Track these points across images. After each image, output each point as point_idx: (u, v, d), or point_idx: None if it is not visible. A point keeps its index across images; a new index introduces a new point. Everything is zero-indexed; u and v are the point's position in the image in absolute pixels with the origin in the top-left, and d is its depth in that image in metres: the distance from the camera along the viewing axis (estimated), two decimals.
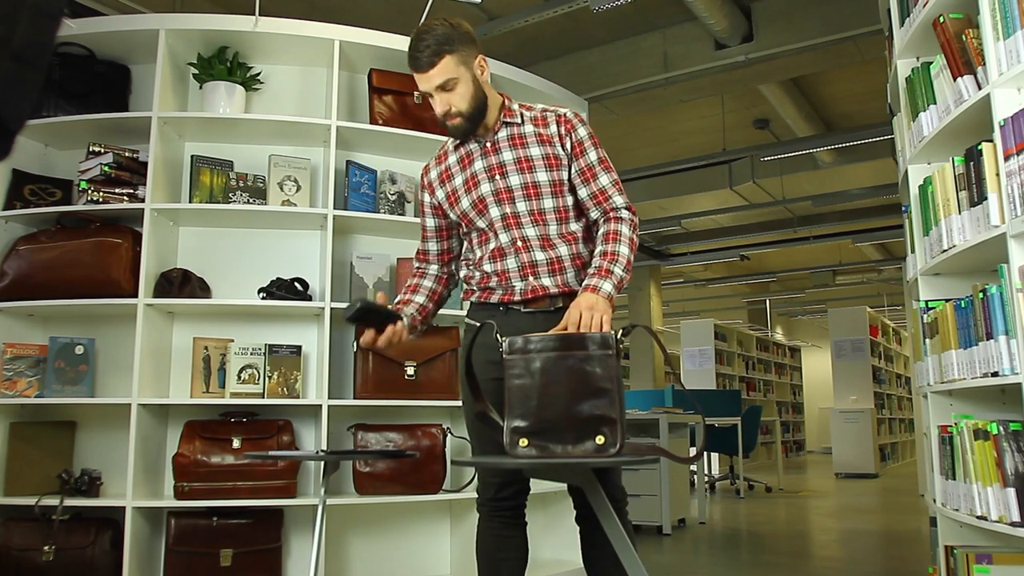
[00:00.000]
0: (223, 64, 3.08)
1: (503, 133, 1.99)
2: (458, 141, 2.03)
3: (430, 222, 2.10)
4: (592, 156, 1.98)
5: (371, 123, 3.17)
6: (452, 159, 2.04)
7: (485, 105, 1.95)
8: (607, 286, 1.81)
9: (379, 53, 3.22)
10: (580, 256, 1.96)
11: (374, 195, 3.18)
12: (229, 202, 2.99)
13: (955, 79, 2.17)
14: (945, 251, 2.26)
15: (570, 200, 1.98)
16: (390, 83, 3.24)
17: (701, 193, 9.80)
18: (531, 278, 1.93)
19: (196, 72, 3.10)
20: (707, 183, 9.51)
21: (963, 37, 2.14)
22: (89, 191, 2.89)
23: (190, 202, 3.00)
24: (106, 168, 2.91)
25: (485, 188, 1.96)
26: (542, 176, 1.95)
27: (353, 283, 3.09)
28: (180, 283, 2.88)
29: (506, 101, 2.02)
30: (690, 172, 9.24)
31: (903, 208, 2.89)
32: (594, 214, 1.98)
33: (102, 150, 2.95)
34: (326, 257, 3.00)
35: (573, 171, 1.98)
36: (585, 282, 1.84)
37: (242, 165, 3.12)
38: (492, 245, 1.97)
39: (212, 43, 3.10)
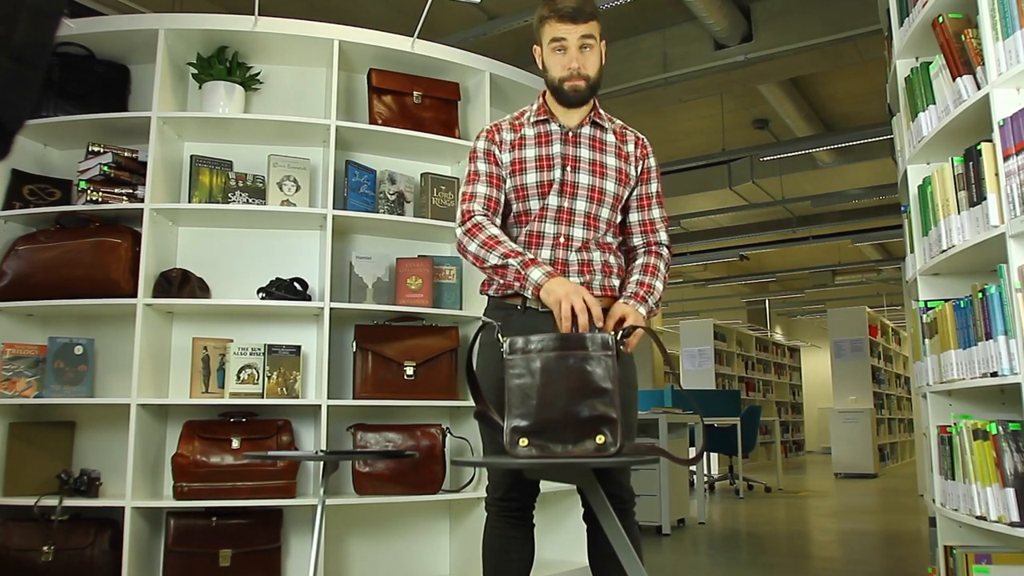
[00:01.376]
0: (222, 64, 3.08)
1: (587, 130, 2.01)
2: (540, 118, 2.01)
3: (493, 169, 1.99)
4: (654, 187, 2.06)
5: (370, 123, 3.17)
6: (529, 131, 2.02)
7: (599, 85, 1.98)
8: (642, 310, 1.89)
9: (378, 53, 3.22)
10: (608, 264, 1.99)
11: (373, 195, 3.18)
12: (228, 202, 2.99)
13: (954, 79, 2.17)
14: (944, 251, 2.26)
15: (619, 217, 2.03)
16: (389, 83, 3.24)
17: (700, 193, 9.81)
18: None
19: (195, 72, 3.10)
20: (706, 183, 9.51)
21: (962, 37, 2.14)
22: (88, 191, 2.89)
23: (189, 202, 3.00)
24: (105, 168, 2.91)
25: (556, 174, 1.96)
26: (610, 186, 1.98)
27: (352, 283, 3.09)
28: (179, 283, 2.88)
29: (596, 102, 2.04)
30: (689, 172, 9.24)
31: (902, 208, 2.89)
32: (636, 240, 2.05)
33: (101, 150, 2.95)
34: (325, 257, 2.99)
35: (633, 194, 2.04)
36: (622, 300, 1.92)
37: (241, 165, 3.12)
38: (532, 228, 1.97)
39: (211, 43, 3.09)
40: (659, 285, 1.97)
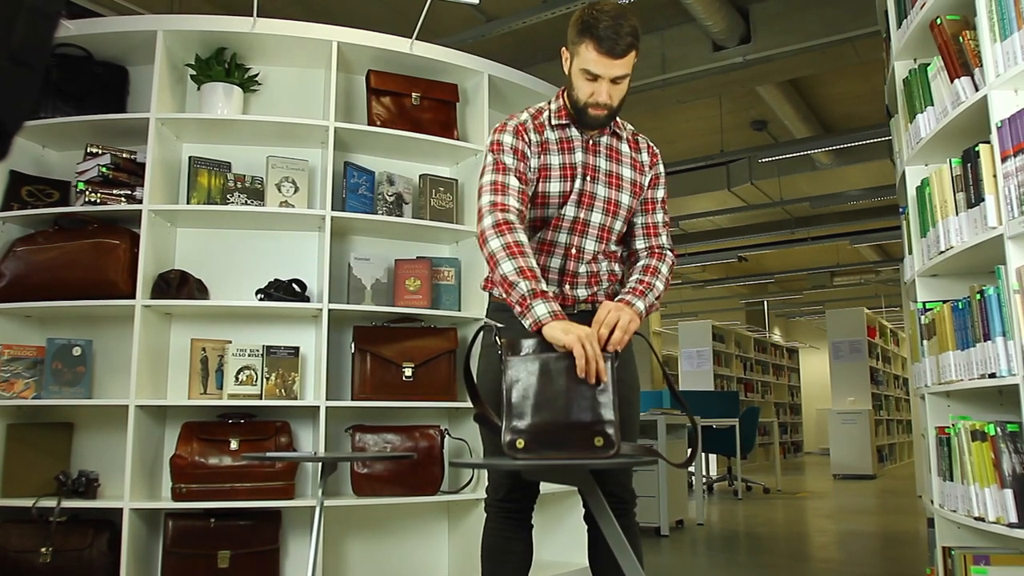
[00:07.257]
0: (221, 65, 3.08)
1: (605, 139, 1.97)
2: (561, 122, 1.93)
3: (521, 165, 1.87)
4: (660, 193, 2.03)
5: (369, 124, 3.17)
6: (551, 135, 1.94)
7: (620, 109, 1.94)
8: (640, 304, 1.83)
9: (377, 54, 3.22)
10: (615, 273, 1.99)
11: (372, 196, 3.18)
12: (227, 203, 2.99)
13: (952, 81, 2.18)
14: (942, 252, 2.26)
15: (626, 227, 2.01)
16: (388, 84, 3.24)
17: (699, 194, 9.81)
18: (567, 286, 1.92)
19: (194, 73, 3.10)
20: (705, 184, 9.51)
21: (960, 39, 2.14)
22: (87, 192, 2.89)
23: (188, 203, 3.00)
24: (104, 169, 2.91)
25: (577, 184, 1.91)
26: (625, 199, 1.96)
27: (351, 284, 3.09)
28: (178, 284, 2.88)
29: None
30: (688, 173, 9.24)
31: (901, 209, 2.89)
32: (639, 243, 2.00)
33: (100, 151, 2.95)
34: (324, 258, 2.99)
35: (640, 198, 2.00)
36: (619, 296, 1.85)
37: (240, 166, 3.12)
38: (544, 236, 1.93)
39: (210, 44, 3.09)
40: (659, 285, 1.92)
